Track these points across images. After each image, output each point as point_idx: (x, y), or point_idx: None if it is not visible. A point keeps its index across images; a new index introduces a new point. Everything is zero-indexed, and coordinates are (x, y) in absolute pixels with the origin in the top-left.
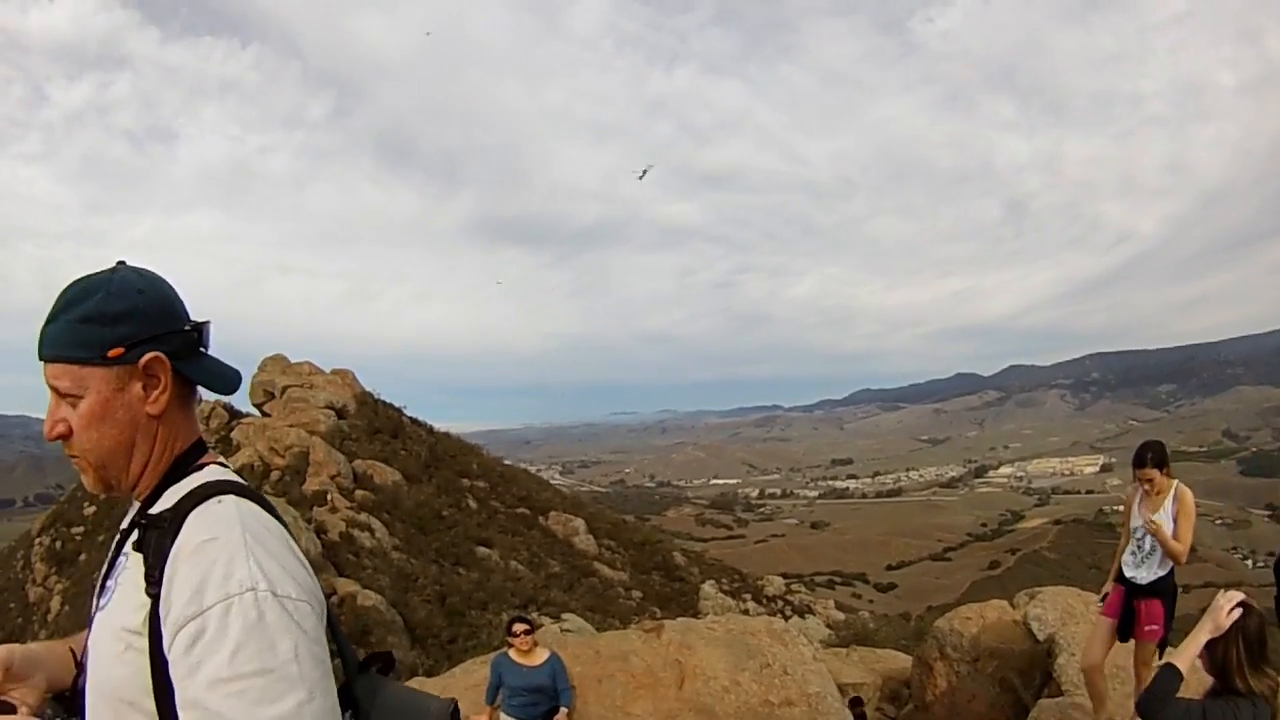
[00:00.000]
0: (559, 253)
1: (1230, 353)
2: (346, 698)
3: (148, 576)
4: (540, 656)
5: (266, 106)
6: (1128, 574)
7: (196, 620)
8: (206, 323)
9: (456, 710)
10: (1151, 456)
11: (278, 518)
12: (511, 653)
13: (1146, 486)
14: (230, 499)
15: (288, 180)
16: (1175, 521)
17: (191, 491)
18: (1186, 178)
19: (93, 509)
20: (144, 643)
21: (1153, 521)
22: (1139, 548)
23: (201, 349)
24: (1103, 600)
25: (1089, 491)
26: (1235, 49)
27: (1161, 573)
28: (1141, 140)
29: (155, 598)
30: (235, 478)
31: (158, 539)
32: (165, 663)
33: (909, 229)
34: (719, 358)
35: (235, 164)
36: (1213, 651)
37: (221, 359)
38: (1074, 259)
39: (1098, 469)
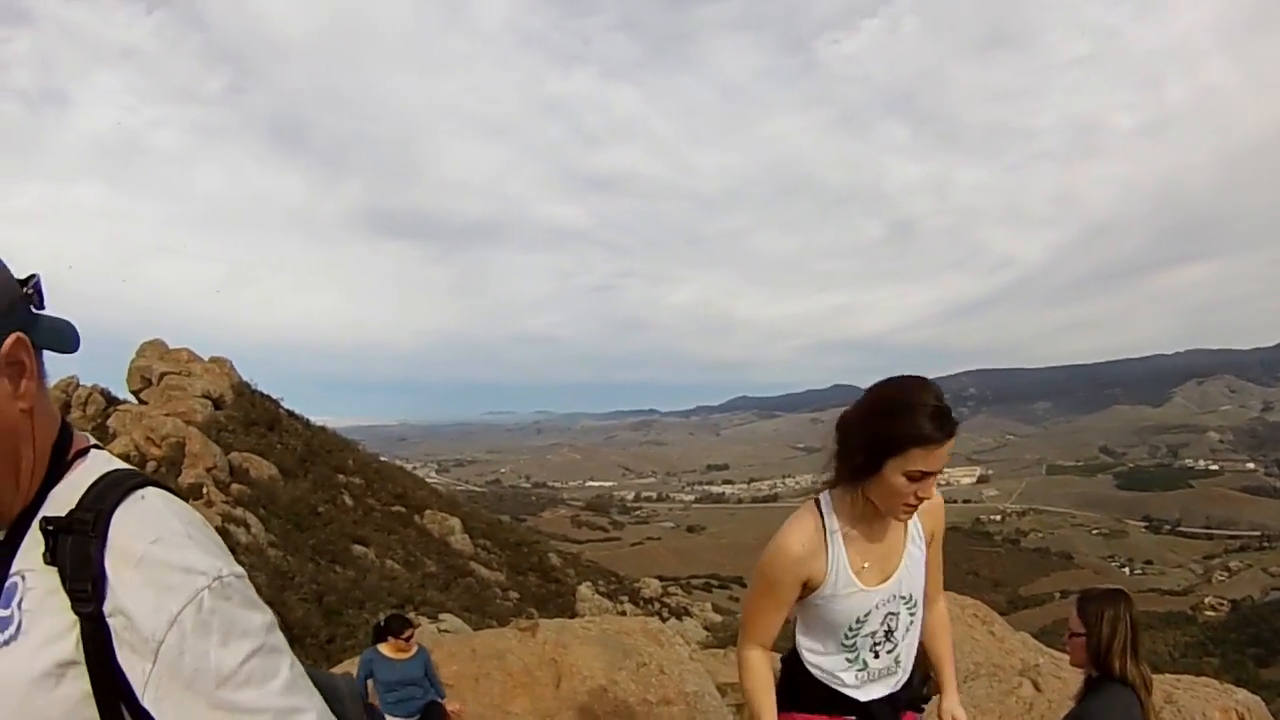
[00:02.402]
0: (441, 248)
1: (1107, 375)
2: None
3: (74, 593)
4: (410, 650)
5: (163, 78)
6: (851, 693)
7: (174, 628)
8: (36, 277)
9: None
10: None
11: None
12: (383, 648)
13: (924, 487)
14: (152, 491)
15: (176, 157)
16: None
17: (100, 487)
18: (1073, 209)
19: None
20: (81, 670)
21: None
22: (876, 649)
23: (37, 309)
24: None
25: (966, 501)
26: (1135, 94)
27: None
28: (1032, 172)
29: (88, 616)
30: (125, 464)
31: (77, 546)
32: (121, 688)
33: (793, 243)
34: (596, 360)
35: (125, 136)
36: (1089, 637)
37: (52, 315)
38: (955, 280)
39: (974, 480)
